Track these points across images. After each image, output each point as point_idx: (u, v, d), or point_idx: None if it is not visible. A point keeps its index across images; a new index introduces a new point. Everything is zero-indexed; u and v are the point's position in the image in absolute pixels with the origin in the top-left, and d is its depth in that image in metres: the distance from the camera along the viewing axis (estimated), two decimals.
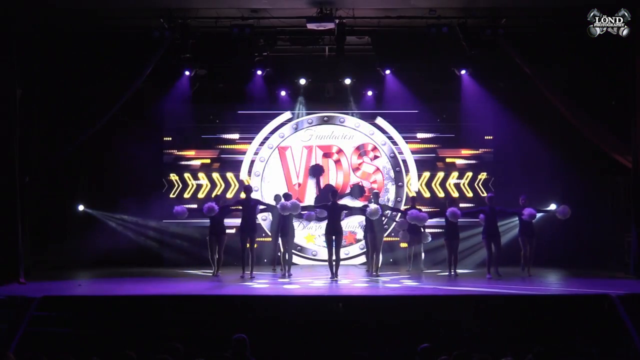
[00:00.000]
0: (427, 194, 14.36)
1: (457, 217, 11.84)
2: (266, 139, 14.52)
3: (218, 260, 12.02)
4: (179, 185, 14.41)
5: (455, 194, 14.16)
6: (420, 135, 14.55)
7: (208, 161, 14.50)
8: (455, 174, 14.47)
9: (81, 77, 12.86)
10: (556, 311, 8.78)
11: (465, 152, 14.51)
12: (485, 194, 14.08)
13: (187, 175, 14.43)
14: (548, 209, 12.25)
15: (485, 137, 14.45)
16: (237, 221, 12.00)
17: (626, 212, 12.47)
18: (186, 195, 14.35)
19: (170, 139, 14.49)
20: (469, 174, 14.42)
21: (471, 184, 14.42)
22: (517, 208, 11.93)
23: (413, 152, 14.50)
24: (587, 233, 13.21)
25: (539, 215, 11.98)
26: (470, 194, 14.33)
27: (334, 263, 11.53)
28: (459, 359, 5.71)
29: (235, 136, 14.51)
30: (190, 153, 14.51)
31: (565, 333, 8.26)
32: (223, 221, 12.01)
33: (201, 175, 14.46)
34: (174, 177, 14.41)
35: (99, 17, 12.13)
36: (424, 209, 12.79)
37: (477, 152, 14.49)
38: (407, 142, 14.50)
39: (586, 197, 13.23)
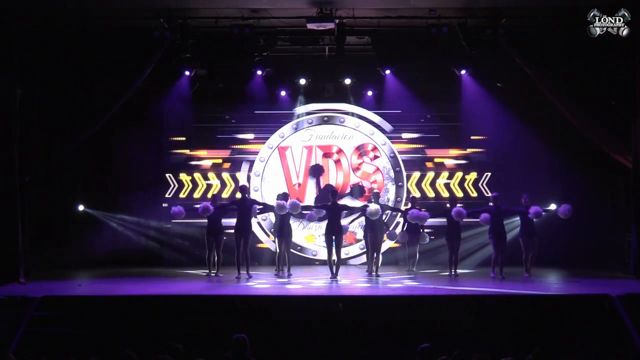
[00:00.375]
0: (418, 194, 14.24)
1: (462, 216, 11.80)
2: (266, 138, 14.53)
3: (217, 261, 12.01)
4: (187, 185, 14.40)
5: (446, 194, 14.14)
6: (414, 135, 14.55)
7: (219, 161, 14.51)
8: (445, 173, 14.43)
9: (81, 77, 12.85)
10: (556, 311, 8.77)
11: (462, 151, 14.49)
12: (475, 194, 14.15)
13: (196, 175, 14.43)
14: (548, 208, 12.22)
15: (484, 137, 14.42)
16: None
17: (626, 212, 12.48)
18: (196, 195, 14.32)
19: (185, 139, 14.52)
20: (465, 174, 14.41)
21: (466, 184, 14.40)
22: (522, 207, 11.83)
23: (405, 151, 14.51)
24: (587, 233, 13.21)
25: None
26: (460, 194, 14.24)
27: (334, 263, 11.54)
28: (459, 359, 5.71)
29: (251, 136, 14.53)
30: (202, 153, 14.53)
31: (565, 333, 8.25)
32: (221, 221, 11.99)
33: (211, 175, 14.46)
34: (184, 177, 14.40)
35: (99, 17, 12.12)
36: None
37: (475, 151, 14.47)
38: (405, 142, 14.53)
39: (586, 197, 13.23)
